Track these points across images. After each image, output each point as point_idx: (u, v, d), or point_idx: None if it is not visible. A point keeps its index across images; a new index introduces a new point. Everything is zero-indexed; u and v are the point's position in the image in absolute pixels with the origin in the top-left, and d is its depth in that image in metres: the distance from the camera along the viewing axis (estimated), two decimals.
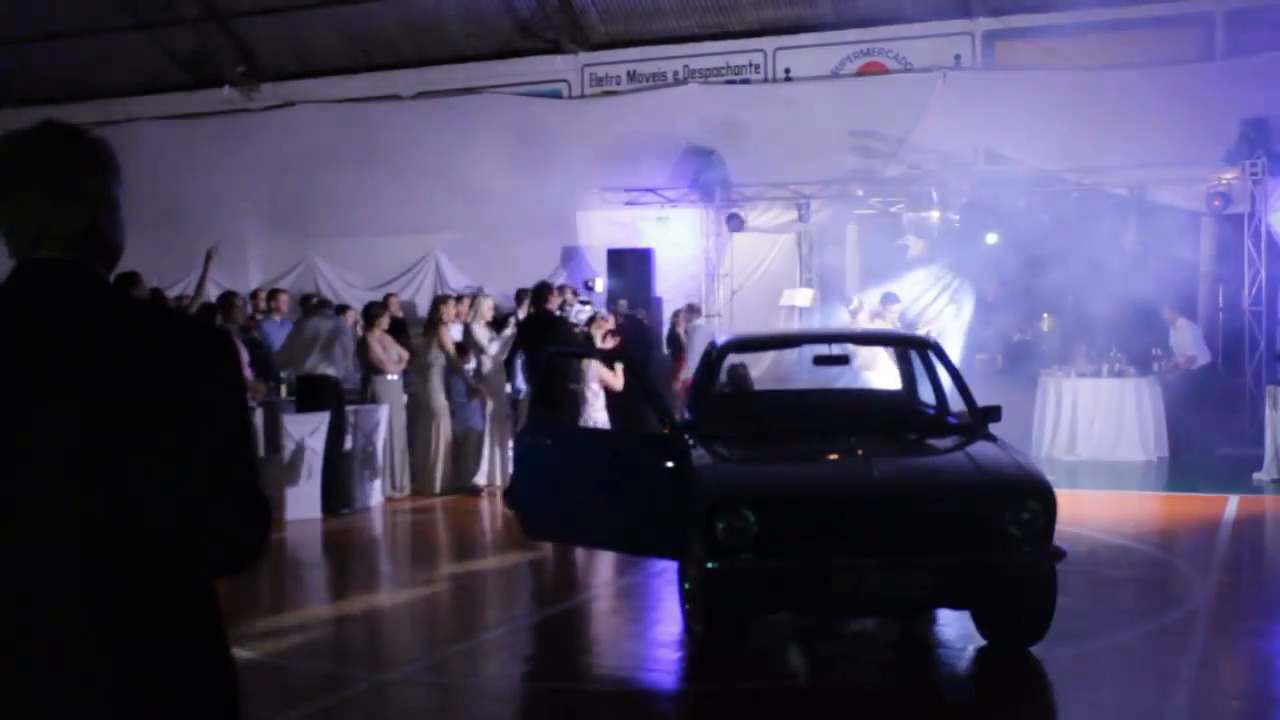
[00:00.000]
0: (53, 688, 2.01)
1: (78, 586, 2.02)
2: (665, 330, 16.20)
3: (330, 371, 11.59)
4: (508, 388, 13.38)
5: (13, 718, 2.01)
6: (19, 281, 2.12)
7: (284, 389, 12.36)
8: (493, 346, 12.83)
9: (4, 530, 2.02)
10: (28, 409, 2.03)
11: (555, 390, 10.20)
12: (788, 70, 17.70)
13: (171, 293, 14.28)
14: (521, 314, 13.84)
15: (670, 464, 7.10)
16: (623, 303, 15.39)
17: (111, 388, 2.05)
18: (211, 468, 2.09)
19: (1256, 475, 12.41)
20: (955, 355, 11.64)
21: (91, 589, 2.03)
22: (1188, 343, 14.46)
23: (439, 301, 12.98)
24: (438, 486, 12.61)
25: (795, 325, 16.43)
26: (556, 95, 19.03)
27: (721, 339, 9.17)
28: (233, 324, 11.64)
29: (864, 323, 13.93)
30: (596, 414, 11.74)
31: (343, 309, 13.53)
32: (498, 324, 13.48)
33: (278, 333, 13.82)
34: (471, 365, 12.78)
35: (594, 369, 11.63)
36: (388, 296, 14.72)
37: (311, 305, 12.92)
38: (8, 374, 2.05)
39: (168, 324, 2.17)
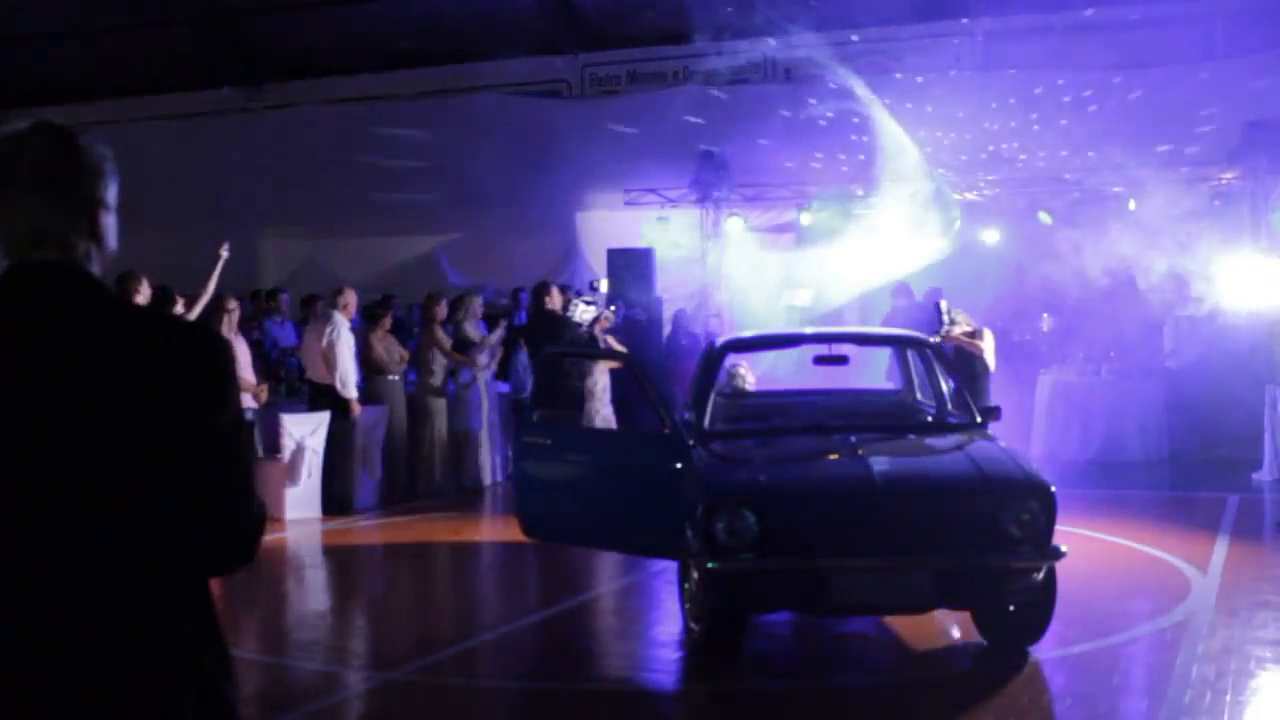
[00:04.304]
0: (51, 686, 2.01)
1: (72, 587, 2.03)
2: (666, 331, 16.18)
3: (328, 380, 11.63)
4: (504, 387, 13.41)
5: (10, 713, 2.01)
6: (12, 282, 2.12)
7: (284, 388, 12.36)
8: (484, 351, 12.86)
9: None
10: (21, 409, 2.04)
11: (557, 389, 10.20)
12: (788, 70, 17.68)
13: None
14: (523, 315, 13.86)
15: (670, 464, 7.10)
16: (617, 303, 15.36)
17: (105, 389, 2.05)
18: (204, 469, 2.10)
19: (1256, 475, 12.41)
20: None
21: (86, 589, 2.03)
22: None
23: (431, 300, 12.97)
24: (440, 486, 12.61)
25: (795, 325, 16.41)
26: (556, 95, 19.03)
27: (721, 339, 9.17)
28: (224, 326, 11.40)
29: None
30: (603, 410, 11.77)
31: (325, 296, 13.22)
32: (493, 323, 13.51)
33: (279, 332, 13.83)
34: (478, 367, 12.81)
35: (599, 369, 11.65)
36: (387, 296, 14.70)
37: (314, 308, 12.91)
38: (4, 369, 2.05)
39: (161, 326, 2.17)
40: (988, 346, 11.09)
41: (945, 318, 11.14)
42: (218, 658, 2.15)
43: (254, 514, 2.17)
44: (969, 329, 11.10)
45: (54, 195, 2.13)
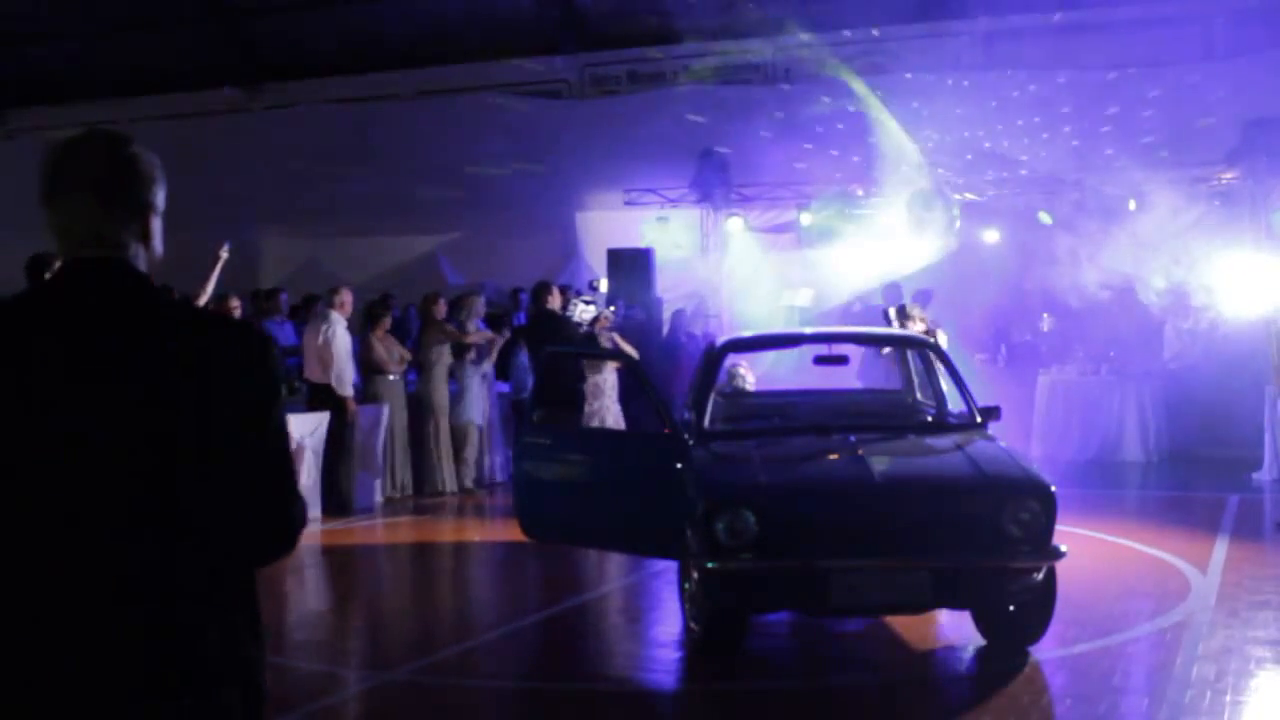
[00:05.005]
0: (102, 679, 2.07)
1: (116, 573, 2.09)
2: (665, 331, 16.18)
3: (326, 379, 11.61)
4: (505, 387, 13.40)
5: (46, 702, 2.07)
6: (68, 276, 2.20)
7: (284, 389, 12.34)
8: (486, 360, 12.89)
9: (47, 516, 2.09)
10: (73, 405, 2.10)
11: (558, 390, 10.20)
12: (787, 70, 17.67)
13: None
14: (522, 315, 13.85)
15: (670, 464, 7.10)
16: (617, 303, 15.36)
17: (155, 384, 2.11)
18: (251, 465, 2.16)
19: (1255, 475, 12.40)
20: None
21: (130, 576, 2.09)
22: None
23: (430, 300, 12.96)
24: (440, 486, 12.61)
25: (795, 325, 16.41)
26: (556, 95, 19.02)
27: (721, 339, 9.17)
28: None
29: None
30: (612, 406, 11.78)
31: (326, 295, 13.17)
32: (494, 323, 13.50)
33: (278, 332, 13.81)
34: (473, 356, 12.79)
35: (607, 365, 11.66)
36: (386, 296, 14.70)
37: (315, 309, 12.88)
38: (56, 363, 2.11)
39: (212, 324, 2.26)
40: (942, 345, 11.10)
41: (894, 324, 11.19)
42: (256, 643, 2.24)
43: (299, 511, 2.25)
44: (924, 328, 11.12)
45: (108, 199, 2.22)
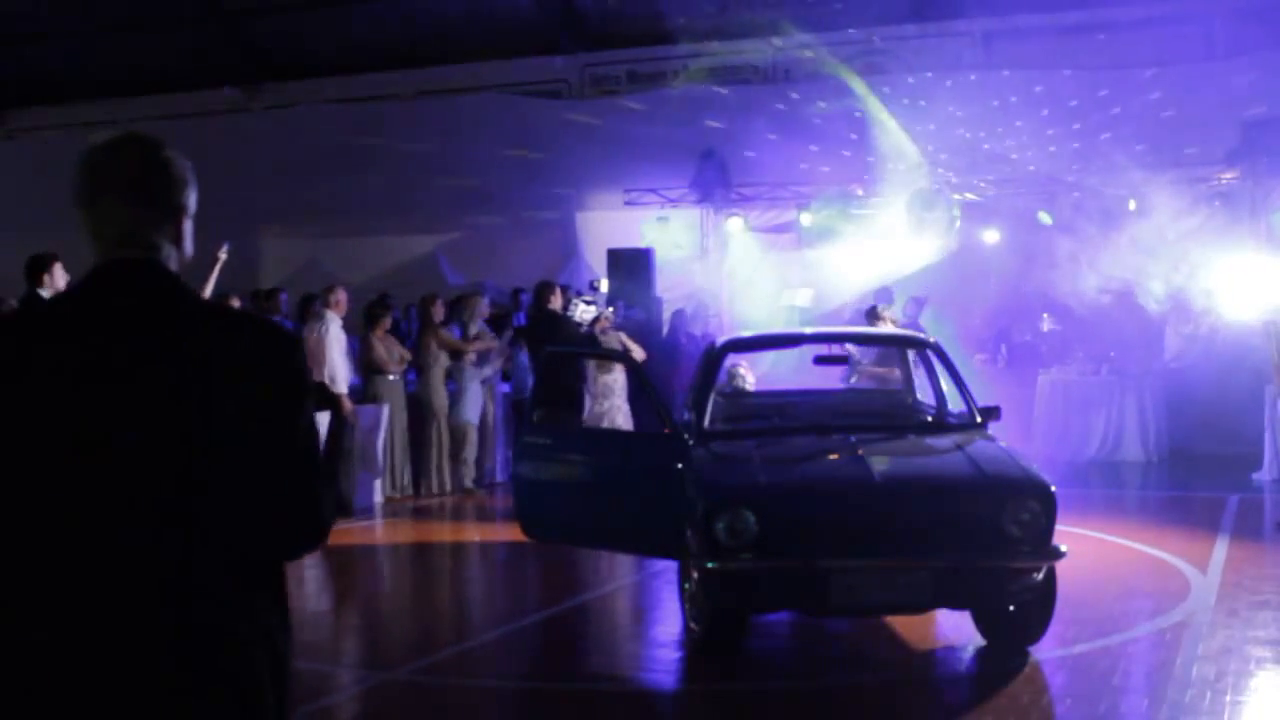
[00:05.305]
0: (124, 674, 2.10)
1: (148, 573, 2.11)
2: (665, 331, 16.17)
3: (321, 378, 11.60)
4: (505, 387, 13.39)
5: (80, 695, 2.10)
6: (101, 276, 2.25)
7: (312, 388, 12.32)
8: (490, 365, 12.89)
9: (79, 517, 2.11)
10: (107, 397, 2.13)
11: (558, 390, 10.19)
12: (787, 70, 17.66)
13: None
14: (522, 316, 13.85)
15: (670, 464, 7.10)
16: (617, 303, 15.35)
17: (186, 380, 2.15)
18: (280, 464, 2.19)
19: (1255, 475, 12.40)
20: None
21: (162, 575, 2.12)
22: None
23: (428, 301, 12.96)
24: (439, 485, 12.59)
25: (795, 325, 16.40)
26: (556, 95, 19.03)
27: (721, 339, 9.16)
28: None
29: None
30: (623, 405, 11.78)
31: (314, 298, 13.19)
32: (497, 323, 13.48)
33: None
34: (472, 358, 12.79)
35: (616, 365, 11.66)
36: (383, 296, 14.69)
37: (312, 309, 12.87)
38: (89, 363, 2.15)
39: (241, 323, 2.29)
40: None
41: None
42: (286, 640, 2.28)
43: (328, 507, 2.28)
44: (897, 330, 11.14)
45: (143, 202, 2.27)
